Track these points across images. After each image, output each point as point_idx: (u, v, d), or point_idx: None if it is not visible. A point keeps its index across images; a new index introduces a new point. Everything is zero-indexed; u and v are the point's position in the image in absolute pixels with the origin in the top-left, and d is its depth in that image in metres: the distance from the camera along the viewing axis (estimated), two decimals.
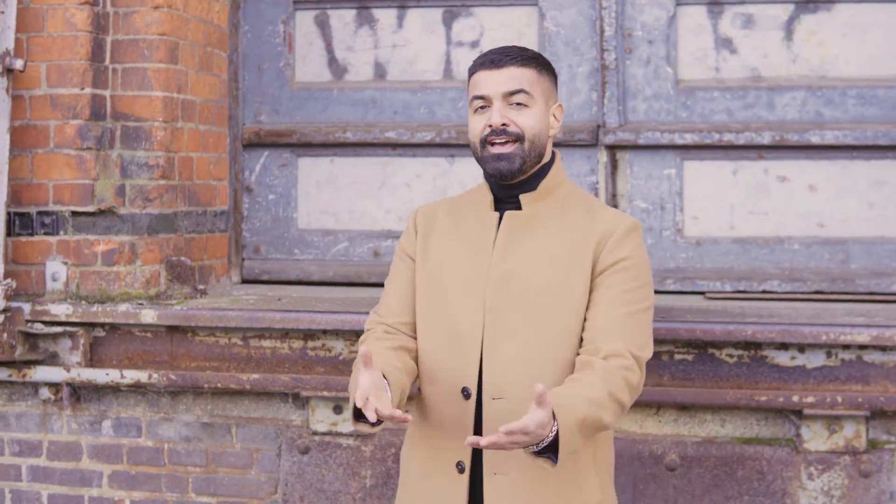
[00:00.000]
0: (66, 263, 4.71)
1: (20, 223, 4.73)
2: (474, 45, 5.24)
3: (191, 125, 4.99)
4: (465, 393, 3.18)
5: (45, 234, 4.71)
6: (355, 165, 5.32)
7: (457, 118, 5.22)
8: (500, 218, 3.28)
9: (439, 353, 3.24)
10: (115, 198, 4.71)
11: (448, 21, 5.27)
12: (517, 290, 3.18)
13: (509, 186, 3.27)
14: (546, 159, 3.29)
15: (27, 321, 4.61)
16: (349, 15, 5.35)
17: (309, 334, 4.55)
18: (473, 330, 3.19)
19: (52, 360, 4.67)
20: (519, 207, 3.28)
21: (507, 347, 3.16)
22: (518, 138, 3.18)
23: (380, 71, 5.32)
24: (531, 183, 3.27)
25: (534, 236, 3.23)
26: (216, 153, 5.22)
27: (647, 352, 3.19)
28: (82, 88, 4.65)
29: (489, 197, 3.31)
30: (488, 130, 3.18)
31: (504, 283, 3.19)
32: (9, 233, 4.71)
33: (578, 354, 3.15)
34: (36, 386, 4.72)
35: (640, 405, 4.35)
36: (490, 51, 3.25)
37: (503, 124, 3.16)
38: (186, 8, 4.91)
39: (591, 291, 3.17)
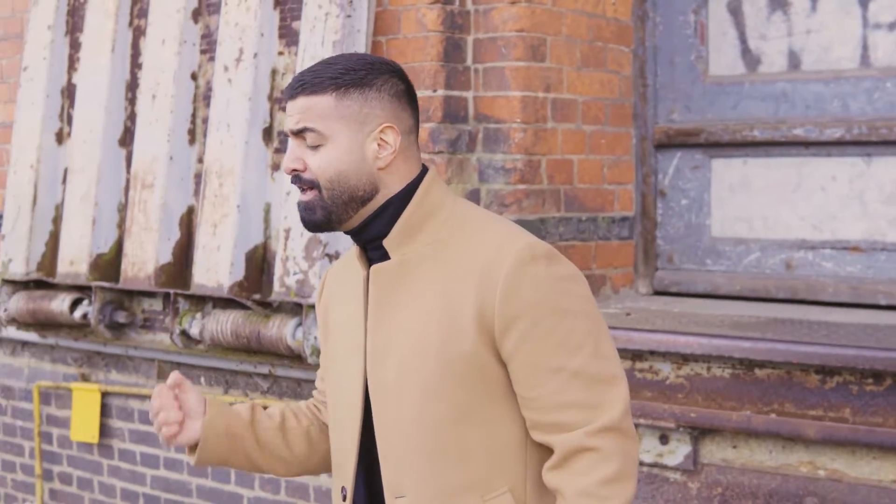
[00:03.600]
0: None
1: None
2: (892, 26, 4.68)
3: (569, 126, 4.88)
4: (343, 494, 2.75)
5: None
6: (767, 167, 4.95)
7: (871, 111, 4.69)
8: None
9: (333, 445, 2.85)
10: None
11: (864, 0, 4.75)
12: (398, 367, 2.64)
13: (356, 231, 2.72)
14: (393, 189, 2.68)
15: None
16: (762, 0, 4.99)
17: (637, 354, 4.30)
18: (353, 421, 2.73)
19: None
20: (385, 256, 2.70)
21: (399, 438, 2.65)
22: (313, 185, 2.63)
23: (793, 60, 4.90)
24: (381, 219, 2.68)
25: (407, 293, 2.66)
26: (612, 155, 5.08)
27: (614, 405, 2.53)
28: (434, 90, 4.72)
29: (356, 249, 2.78)
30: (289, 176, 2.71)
31: (382, 360, 2.67)
32: None
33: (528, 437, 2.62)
34: None
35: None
36: (301, 71, 2.73)
37: (294, 168, 2.65)
38: (557, 2, 4.82)
39: (505, 359, 2.57)
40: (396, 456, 2.65)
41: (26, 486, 6.37)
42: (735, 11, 5.05)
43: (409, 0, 4.78)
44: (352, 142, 2.63)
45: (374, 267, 2.69)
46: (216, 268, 4.99)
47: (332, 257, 4.70)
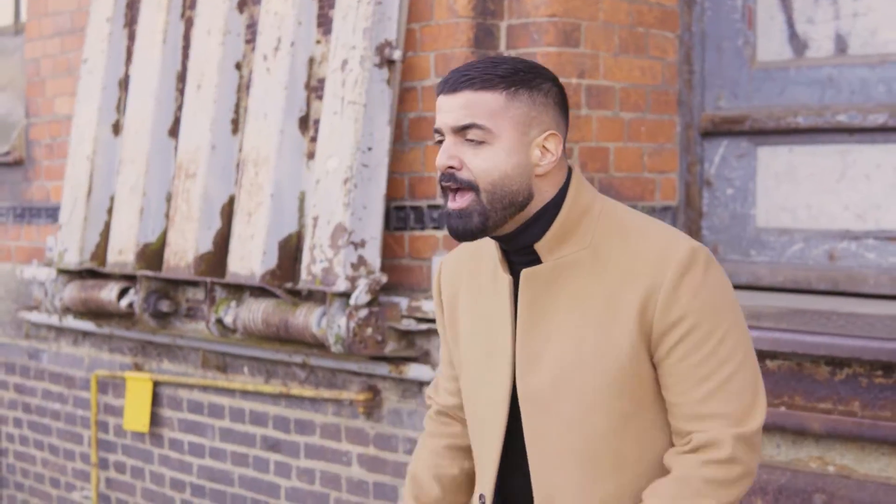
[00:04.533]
0: None
1: (414, 217, 4.86)
2: None
3: (604, 113, 4.81)
4: (482, 501, 2.71)
5: (434, 228, 4.80)
6: (812, 154, 4.83)
7: None
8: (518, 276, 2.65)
9: (474, 451, 2.80)
10: None
11: None
12: (554, 375, 2.58)
13: (509, 237, 2.61)
14: (547, 196, 2.58)
15: (402, 317, 4.74)
16: None
17: None
18: (497, 428, 2.67)
19: (425, 357, 4.75)
20: (532, 259, 2.62)
21: (553, 447, 2.60)
22: (471, 187, 2.51)
23: (840, 44, 4.77)
24: (537, 226, 2.58)
25: (563, 299, 2.59)
26: (653, 143, 4.99)
27: (754, 419, 2.53)
28: None
29: (497, 252, 2.66)
30: (440, 174, 2.56)
31: (535, 366, 2.61)
32: (404, 227, 4.87)
33: (672, 445, 2.60)
34: (421, 384, 4.83)
35: None
36: (460, 67, 2.58)
37: (450, 166, 2.51)
38: None
39: (656, 363, 2.55)
40: (549, 465, 2.62)
41: (84, 474, 6.48)
42: None
43: None
44: (517, 144, 2.52)
45: (526, 271, 2.60)
46: (249, 256, 5.01)
47: (358, 245, 4.69)
